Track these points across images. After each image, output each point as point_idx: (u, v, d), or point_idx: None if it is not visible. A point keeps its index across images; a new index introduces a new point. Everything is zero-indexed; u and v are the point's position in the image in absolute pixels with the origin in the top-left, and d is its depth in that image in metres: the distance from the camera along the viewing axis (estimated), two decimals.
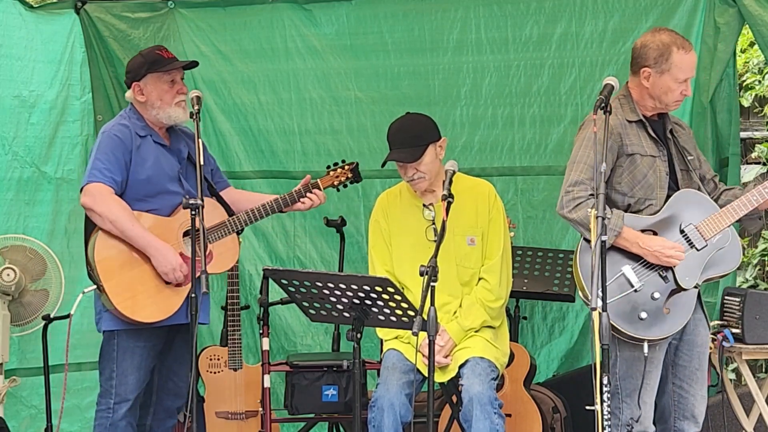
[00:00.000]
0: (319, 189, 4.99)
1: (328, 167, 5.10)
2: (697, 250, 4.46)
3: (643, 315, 4.38)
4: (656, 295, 4.40)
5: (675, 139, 4.64)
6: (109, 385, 4.78)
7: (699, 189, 4.58)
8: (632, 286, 4.42)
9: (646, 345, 4.35)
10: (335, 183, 5.07)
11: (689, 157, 4.61)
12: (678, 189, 4.56)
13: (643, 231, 4.46)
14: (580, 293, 4.53)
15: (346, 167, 5.10)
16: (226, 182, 5.16)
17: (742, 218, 4.59)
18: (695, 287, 4.47)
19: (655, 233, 4.46)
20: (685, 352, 4.59)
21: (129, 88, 4.88)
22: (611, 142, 4.47)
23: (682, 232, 4.48)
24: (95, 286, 4.72)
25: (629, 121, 4.56)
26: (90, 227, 4.76)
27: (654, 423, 4.63)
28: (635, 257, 4.45)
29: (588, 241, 4.41)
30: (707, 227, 4.47)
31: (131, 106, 4.90)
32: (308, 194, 4.96)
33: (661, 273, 4.44)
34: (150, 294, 4.69)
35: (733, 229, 4.53)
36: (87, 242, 4.77)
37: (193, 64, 5.01)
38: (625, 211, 4.51)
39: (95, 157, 4.73)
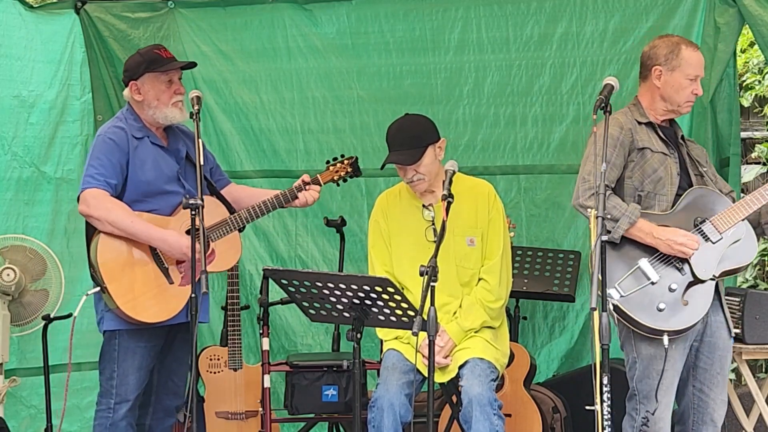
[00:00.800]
0: (320, 184, 5.00)
1: (328, 162, 5.11)
2: (713, 243, 4.50)
3: (662, 306, 4.42)
4: (674, 286, 4.43)
5: (687, 148, 4.68)
6: (110, 385, 4.77)
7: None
8: (649, 279, 4.46)
9: (666, 337, 4.36)
10: (335, 178, 5.08)
11: (703, 168, 4.65)
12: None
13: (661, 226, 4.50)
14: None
15: (346, 162, 5.10)
16: (226, 179, 5.15)
17: (764, 226, 4.62)
18: (712, 278, 4.49)
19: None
20: (705, 354, 4.60)
21: (126, 86, 4.86)
22: (623, 138, 4.57)
23: (696, 226, 4.51)
24: (98, 288, 4.71)
25: (639, 122, 4.61)
26: (91, 230, 4.75)
27: (673, 426, 4.64)
28: (651, 251, 4.49)
29: (608, 229, 4.45)
30: (721, 221, 4.51)
31: (128, 106, 4.88)
32: (304, 191, 4.95)
33: (677, 265, 4.48)
34: (153, 294, 4.69)
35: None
36: (89, 244, 4.77)
37: (192, 65, 4.99)
38: (637, 204, 4.57)
39: (89, 163, 4.72)
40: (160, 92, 4.80)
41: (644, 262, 4.48)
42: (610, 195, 4.51)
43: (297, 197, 4.95)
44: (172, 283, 4.72)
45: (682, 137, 4.71)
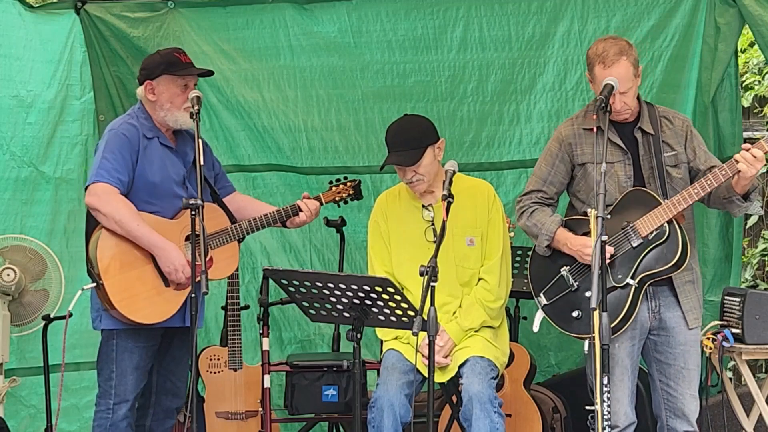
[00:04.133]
0: (321, 203, 5.07)
1: (331, 183, 5.20)
2: (633, 247, 4.49)
3: (575, 314, 4.50)
4: (588, 293, 4.39)
5: (651, 136, 4.61)
6: (109, 385, 4.77)
7: (664, 186, 4.56)
8: (569, 287, 4.56)
9: (586, 343, 4.38)
10: (336, 198, 5.20)
11: (668, 153, 4.61)
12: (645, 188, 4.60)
13: (587, 233, 4.49)
14: None
15: (348, 184, 5.21)
16: (231, 187, 5.15)
17: (724, 202, 4.56)
18: (627, 285, 4.48)
19: None
20: (666, 348, 4.61)
21: (141, 84, 4.85)
22: (562, 154, 4.66)
23: (622, 230, 4.52)
24: (94, 284, 4.69)
25: (585, 129, 4.61)
26: (92, 225, 4.74)
27: (654, 419, 4.69)
28: (574, 258, 4.57)
29: (536, 245, 4.69)
30: (644, 224, 4.51)
31: (140, 104, 4.87)
32: (307, 203, 5.00)
33: (598, 271, 4.47)
34: (149, 295, 4.68)
35: (675, 225, 4.49)
36: (88, 239, 4.75)
37: (209, 73, 4.99)
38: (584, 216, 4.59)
39: (102, 155, 4.69)
40: (174, 96, 4.79)
41: (565, 270, 4.58)
42: (535, 211, 4.66)
43: (298, 214, 4.99)
44: (168, 286, 4.71)
45: (640, 128, 4.59)
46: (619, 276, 4.50)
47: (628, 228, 4.51)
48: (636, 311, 4.50)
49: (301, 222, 5.04)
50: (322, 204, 5.09)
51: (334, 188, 5.18)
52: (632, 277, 4.48)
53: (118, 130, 4.75)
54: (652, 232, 4.48)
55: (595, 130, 4.33)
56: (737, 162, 4.35)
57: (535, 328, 4.67)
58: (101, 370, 4.82)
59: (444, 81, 6.24)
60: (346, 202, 5.21)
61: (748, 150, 4.34)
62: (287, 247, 6.44)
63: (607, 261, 4.44)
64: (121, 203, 4.65)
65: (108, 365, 4.77)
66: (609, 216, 4.46)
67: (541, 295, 4.63)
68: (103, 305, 4.72)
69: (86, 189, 4.70)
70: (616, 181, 4.57)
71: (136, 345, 4.75)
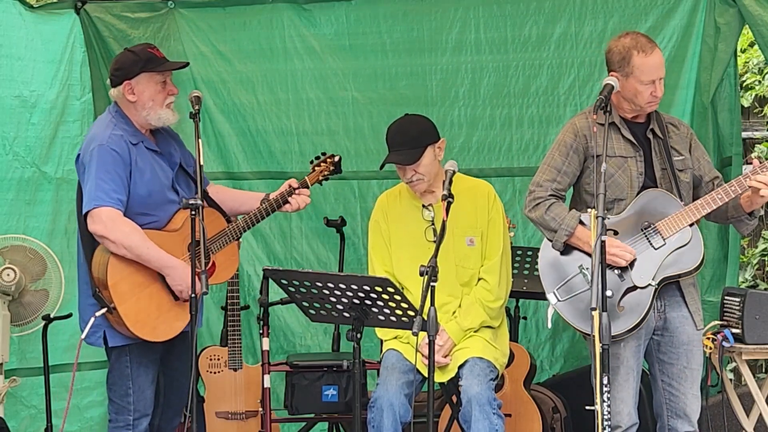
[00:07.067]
0: (308, 187, 4.96)
1: (312, 162, 5.07)
2: (655, 249, 4.49)
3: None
4: (608, 293, 4.35)
5: (661, 140, 4.63)
6: (126, 401, 4.64)
7: (678, 188, 4.57)
8: (588, 285, 4.48)
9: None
10: (320, 178, 5.05)
11: (677, 158, 4.62)
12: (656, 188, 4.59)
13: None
14: None
15: (329, 161, 5.06)
16: (206, 180, 4.99)
17: (731, 220, 4.61)
18: (648, 286, 4.47)
19: (616, 232, 4.49)
20: (669, 348, 4.60)
21: (117, 85, 4.66)
22: (576, 145, 4.59)
23: (642, 230, 4.51)
24: (106, 308, 4.52)
25: (600, 124, 4.59)
26: (89, 248, 4.59)
27: (654, 420, 4.68)
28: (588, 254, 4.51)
29: (549, 239, 4.57)
30: (666, 226, 4.49)
31: (116, 108, 4.69)
32: (295, 195, 4.90)
33: (617, 272, 4.47)
34: (160, 313, 4.60)
35: (697, 230, 4.50)
36: (89, 261, 4.60)
37: (185, 65, 4.91)
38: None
39: (97, 176, 4.51)
40: (155, 93, 4.65)
41: (585, 269, 4.52)
42: (553, 204, 4.57)
43: (288, 202, 4.91)
44: (177, 299, 4.65)
45: (653, 131, 4.63)
46: (642, 277, 4.47)
47: (650, 228, 4.51)
48: (650, 312, 4.51)
49: (292, 210, 4.94)
50: (308, 187, 4.96)
51: (317, 168, 5.04)
52: (653, 278, 4.48)
53: (108, 146, 4.55)
54: (674, 235, 4.49)
55: (595, 130, 4.34)
56: (759, 189, 4.42)
57: (549, 324, 4.64)
58: (113, 386, 4.68)
59: (436, 84, 6.22)
60: (327, 179, 5.08)
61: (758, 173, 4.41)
62: (272, 258, 6.43)
63: (628, 262, 4.44)
64: (128, 227, 4.51)
65: (123, 381, 4.65)
66: (621, 216, 4.49)
67: (554, 292, 4.53)
68: (110, 324, 4.59)
69: (87, 214, 4.53)
70: (628, 176, 4.55)
71: (149, 359, 4.67)
